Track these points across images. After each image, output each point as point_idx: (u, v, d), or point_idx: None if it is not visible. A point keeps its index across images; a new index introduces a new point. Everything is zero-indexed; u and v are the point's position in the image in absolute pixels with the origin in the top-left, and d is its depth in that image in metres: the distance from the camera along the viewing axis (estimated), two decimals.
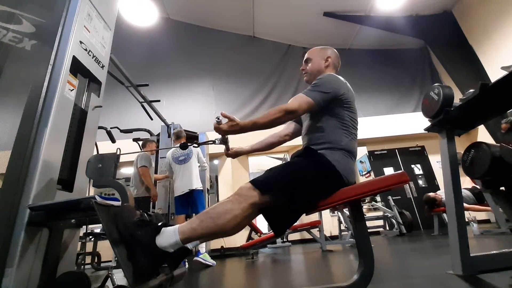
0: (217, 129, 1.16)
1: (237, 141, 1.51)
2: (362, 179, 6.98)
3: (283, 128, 1.56)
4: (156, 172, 4.26)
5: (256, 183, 1.05)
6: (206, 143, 1.52)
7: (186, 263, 3.20)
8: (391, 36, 7.30)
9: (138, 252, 0.96)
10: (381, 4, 6.41)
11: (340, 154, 1.16)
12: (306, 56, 1.48)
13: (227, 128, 1.14)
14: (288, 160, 1.32)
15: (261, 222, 4.42)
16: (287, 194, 1.04)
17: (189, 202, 3.35)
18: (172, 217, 3.97)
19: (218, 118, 1.14)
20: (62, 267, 1.26)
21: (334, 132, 1.21)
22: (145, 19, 7.02)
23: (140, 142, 4.62)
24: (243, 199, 1.01)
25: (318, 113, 1.26)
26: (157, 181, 4.10)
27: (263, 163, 7.77)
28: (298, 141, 1.40)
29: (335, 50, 1.48)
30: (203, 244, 3.27)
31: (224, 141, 1.37)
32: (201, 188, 3.42)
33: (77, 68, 1.53)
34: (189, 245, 1.08)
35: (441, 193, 4.37)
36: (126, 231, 0.99)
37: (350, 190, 1.07)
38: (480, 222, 4.51)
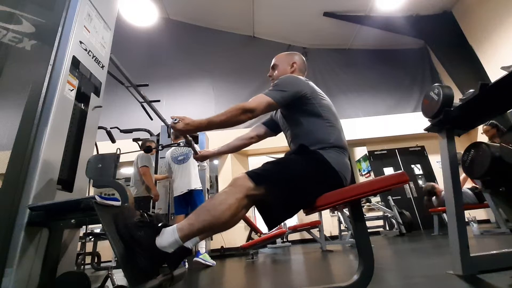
0: (173, 128, 1.17)
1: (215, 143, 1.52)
2: (362, 179, 6.98)
3: (250, 131, 1.59)
4: (156, 172, 4.26)
5: (251, 174, 1.06)
6: (170, 145, 1.53)
7: (186, 263, 3.20)
8: (391, 36, 7.30)
9: (138, 253, 0.96)
10: (381, 4, 6.41)
11: (333, 152, 1.17)
12: (273, 62, 1.53)
13: (182, 128, 1.15)
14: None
15: (261, 222, 4.42)
16: (281, 187, 1.05)
17: (189, 202, 3.34)
18: (172, 217, 3.96)
19: (176, 120, 1.14)
20: (62, 267, 1.26)
21: (320, 130, 1.21)
22: (145, 19, 7.02)
23: (140, 142, 4.62)
24: (238, 190, 1.02)
25: (297, 118, 1.27)
26: (157, 181, 4.10)
27: (263, 163, 7.77)
28: None
29: (301, 55, 1.53)
30: (203, 244, 3.25)
31: (189, 144, 1.36)
32: (201, 188, 3.41)
33: (77, 68, 1.53)
34: (189, 244, 1.08)
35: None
36: (126, 231, 0.99)
37: (350, 190, 1.07)
38: (480, 222, 4.51)
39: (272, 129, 1.56)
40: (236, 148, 1.57)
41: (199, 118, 1.17)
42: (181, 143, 1.37)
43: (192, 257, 3.21)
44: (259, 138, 1.57)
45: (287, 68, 1.46)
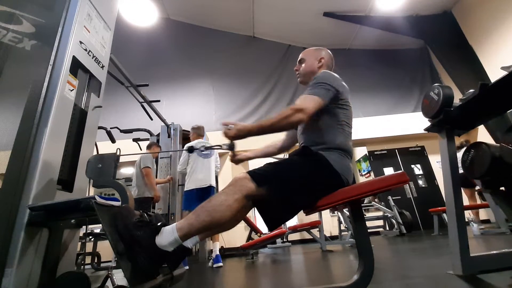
0: (226, 135, 1.16)
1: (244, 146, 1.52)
2: (362, 179, 6.98)
3: (284, 136, 1.59)
4: (155, 175, 4.26)
5: (253, 174, 1.05)
6: (213, 147, 1.52)
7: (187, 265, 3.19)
8: (391, 36, 7.30)
9: (138, 252, 0.96)
10: (381, 4, 6.41)
11: (336, 154, 1.17)
12: (300, 56, 1.50)
13: (235, 134, 1.14)
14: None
15: (261, 222, 4.42)
16: (282, 188, 1.05)
17: (203, 198, 3.23)
18: (172, 217, 3.96)
19: (228, 126, 1.15)
20: (62, 267, 1.26)
21: (329, 131, 1.21)
22: (145, 19, 7.02)
23: (141, 143, 4.63)
24: (237, 189, 1.02)
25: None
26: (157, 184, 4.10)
27: (263, 164, 7.76)
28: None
29: (329, 51, 1.50)
30: (218, 247, 3.16)
31: (231, 147, 1.37)
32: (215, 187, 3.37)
33: (77, 68, 1.53)
34: (189, 244, 1.08)
35: None
36: (126, 231, 0.99)
37: (350, 190, 1.07)
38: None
39: None
40: (271, 154, 1.59)
41: (250, 123, 1.16)
42: (223, 146, 1.37)
43: (191, 257, 3.18)
44: (294, 142, 1.56)
45: (314, 63, 1.44)
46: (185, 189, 3.26)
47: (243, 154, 1.54)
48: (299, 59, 1.50)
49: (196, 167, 3.30)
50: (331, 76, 1.26)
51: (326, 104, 1.18)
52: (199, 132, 3.54)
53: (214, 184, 3.31)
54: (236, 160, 1.52)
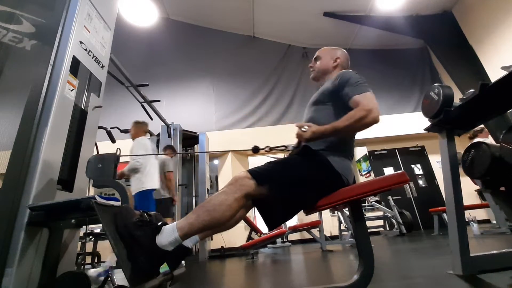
0: (300, 137, 1.15)
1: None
2: (362, 179, 6.98)
3: None
4: None
5: (253, 173, 1.05)
6: (277, 148, 1.51)
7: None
8: (391, 36, 7.29)
9: (138, 252, 0.96)
10: (381, 4, 6.41)
11: (337, 154, 1.17)
12: (316, 54, 1.50)
13: (310, 136, 1.13)
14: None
15: (261, 222, 4.42)
16: (283, 188, 1.05)
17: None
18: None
19: (305, 128, 1.14)
20: (62, 267, 1.26)
21: None
22: (145, 19, 7.02)
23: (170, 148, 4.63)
24: (237, 188, 1.02)
25: (319, 112, 1.26)
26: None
27: (263, 163, 7.76)
28: None
29: (345, 51, 1.50)
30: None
31: (297, 148, 1.37)
32: None
33: (77, 68, 1.53)
34: (189, 243, 1.08)
35: None
36: (126, 231, 0.99)
37: (350, 190, 1.07)
38: (480, 222, 4.51)
39: None
40: None
41: (324, 126, 1.13)
42: (289, 147, 1.36)
43: (191, 257, 3.18)
44: None
45: (330, 62, 1.43)
46: (143, 188, 2.96)
47: None
48: (315, 56, 1.49)
49: (152, 166, 3.13)
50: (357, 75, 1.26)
51: None
52: (145, 128, 3.31)
53: None
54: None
